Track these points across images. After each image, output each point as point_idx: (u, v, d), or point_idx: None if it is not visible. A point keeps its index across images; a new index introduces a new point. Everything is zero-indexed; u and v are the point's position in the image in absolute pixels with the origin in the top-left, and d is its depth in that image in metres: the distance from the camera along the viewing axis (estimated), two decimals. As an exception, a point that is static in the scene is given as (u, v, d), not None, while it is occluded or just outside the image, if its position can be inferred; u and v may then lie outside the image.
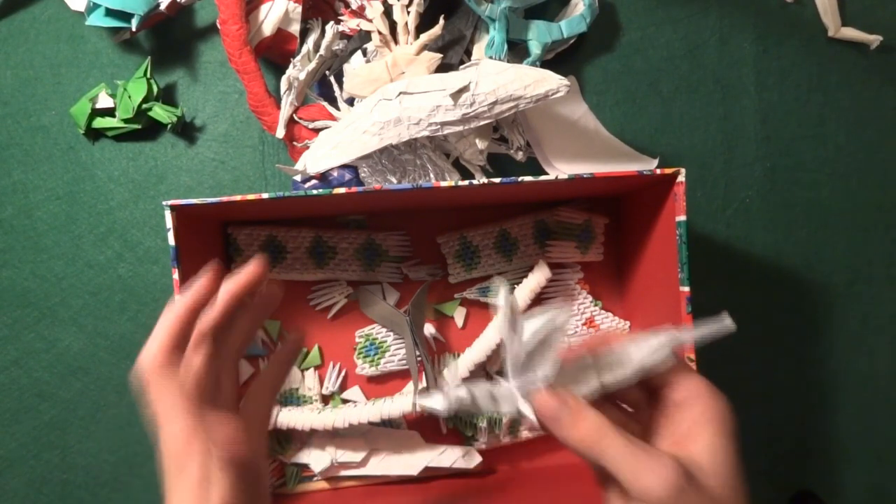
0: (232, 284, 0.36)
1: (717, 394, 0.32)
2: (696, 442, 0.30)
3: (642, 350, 0.31)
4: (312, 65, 0.53)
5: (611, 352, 0.31)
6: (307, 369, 0.58)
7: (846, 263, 0.61)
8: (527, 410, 0.30)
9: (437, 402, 0.30)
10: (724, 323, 0.32)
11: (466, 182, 0.44)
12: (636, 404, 0.34)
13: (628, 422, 0.34)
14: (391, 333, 0.57)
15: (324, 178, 0.53)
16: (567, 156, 0.57)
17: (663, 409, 0.32)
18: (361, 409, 0.54)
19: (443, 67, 0.53)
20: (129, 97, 0.56)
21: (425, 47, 0.52)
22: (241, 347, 0.38)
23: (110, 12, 0.54)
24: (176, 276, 0.45)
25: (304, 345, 0.42)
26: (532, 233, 0.58)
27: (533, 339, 0.29)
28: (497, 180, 0.44)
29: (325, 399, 0.58)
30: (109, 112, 0.57)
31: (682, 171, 0.44)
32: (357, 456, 0.55)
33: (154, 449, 0.61)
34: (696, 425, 0.31)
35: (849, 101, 0.61)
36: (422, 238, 0.58)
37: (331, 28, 0.53)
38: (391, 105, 0.49)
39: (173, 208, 0.45)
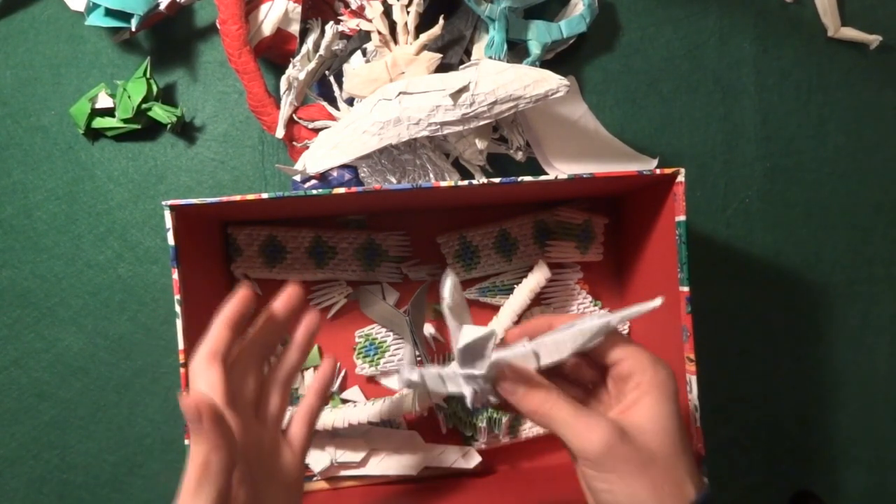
0: (270, 307, 0.42)
1: (658, 364, 0.36)
2: (638, 407, 0.35)
3: (576, 338, 0.35)
4: (312, 65, 0.53)
5: (548, 338, 0.35)
6: (307, 369, 0.58)
7: (846, 263, 0.61)
8: (467, 391, 0.35)
9: (393, 382, 0.37)
10: (651, 303, 0.37)
11: (466, 182, 0.44)
12: (594, 382, 0.39)
13: (587, 398, 0.39)
14: (391, 333, 0.57)
15: (324, 178, 0.53)
16: (567, 156, 0.57)
17: (614, 382, 0.37)
18: (361, 409, 0.54)
19: (443, 67, 0.53)
20: (129, 97, 0.56)
21: (425, 47, 0.52)
22: (288, 375, 0.43)
23: (110, 12, 0.54)
24: (176, 276, 0.44)
25: (335, 372, 0.49)
26: (532, 233, 0.58)
27: (468, 342, 0.34)
28: (497, 180, 0.44)
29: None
30: (109, 112, 0.57)
31: (682, 171, 0.44)
32: (357, 456, 0.55)
33: (154, 449, 0.61)
34: (641, 394, 0.35)
35: (849, 101, 0.61)
36: (422, 238, 0.58)
37: (330, 28, 0.53)
38: (391, 105, 0.49)
39: (173, 208, 0.45)
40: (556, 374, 0.38)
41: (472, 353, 0.34)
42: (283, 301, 0.42)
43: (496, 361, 0.35)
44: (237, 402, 0.38)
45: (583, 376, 0.38)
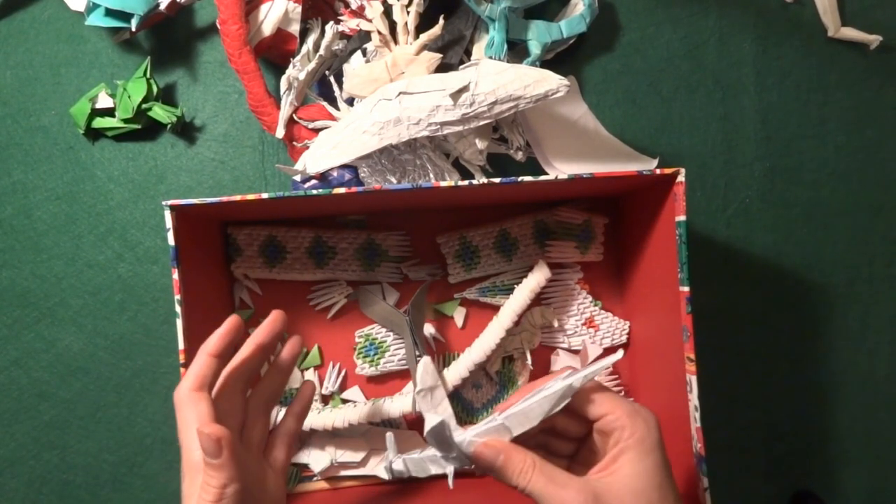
0: (256, 334, 0.43)
1: (636, 417, 0.37)
2: (616, 466, 0.36)
3: (543, 405, 0.37)
4: (312, 65, 0.53)
5: (517, 409, 0.37)
6: (307, 369, 0.58)
7: (846, 263, 0.61)
8: (449, 470, 0.38)
9: (382, 472, 0.40)
10: (612, 357, 0.39)
11: (466, 182, 0.44)
12: (583, 436, 0.40)
13: (579, 450, 0.40)
14: (391, 333, 0.57)
15: (324, 178, 0.53)
16: (567, 156, 0.57)
17: (599, 436, 0.38)
18: (361, 409, 0.54)
19: (443, 67, 0.53)
20: (129, 97, 0.56)
21: (425, 47, 0.52)
22: (270, 399, 0.44)
23: (110, 12, 0.54)
24: (176, 276, 0.45)
25: (313, 393, 0.50)
26: (532, 233, 0.58)
27: (428, 430, 0.37)
28: (497, 180, 0.44)
29: (325, 399, 0.58)
30: (109, 112, 0.57)
31: (682, 171, 0.44)
32: (357, 456, 0.55)
33: (154, 449, 0.61)
34: (619, 451, 0.36)
35: (849, 101, 0.61)
36: (422, 238, 0.58)
37: (330, 28, 0.53)
38: (391, 105, 0.49)
39: (173, 208, 0.45)
40: (546, 431, 0.40)
41: (438, 438, 0.36)
42: (267, 327, 0.43)
43: (469, 440, 0.37)
44: None
45: (571, 431, 0.40)
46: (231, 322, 0.41)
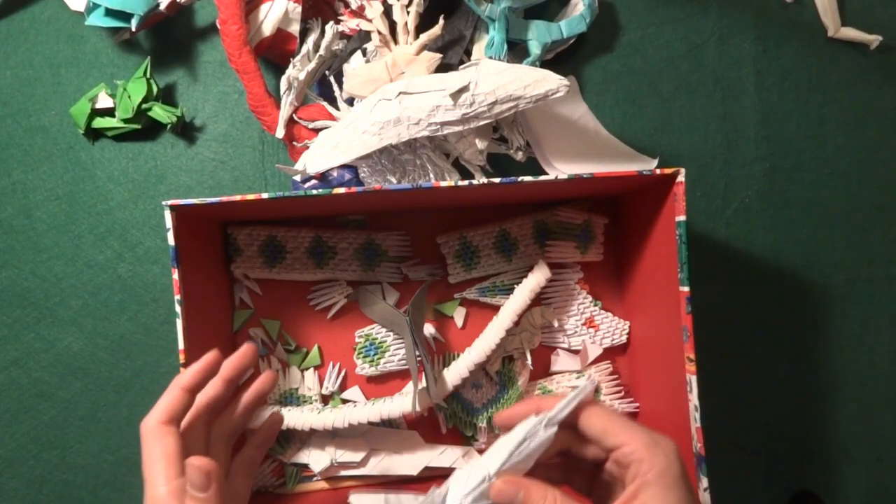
0: (225, 369, 0.42)
1: (656, 448, 0.34)
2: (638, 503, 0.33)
3: (527, 457, 0.35)
4: (312, 65, 0.53)
5: (504, 464, 0.35)
6: (307, 369, 0.58)
7: (846, 263, 0.61)
8: None
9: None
10: (583, 387, 0.36)
11: (466, 182, 0.44)
12: (596, 461, 0.38)
13: (597, 473, 0.38)
14: (391, 333, 0.57)
15: (324, 178, 0.53)
16: (567, 156, 0.57)
17: (616, 467, 0.36)
18: (361, 409, 0.54)
19: (443, 67, 0.53)
20: (129, 97, 0.56)
21: (425, 47, 0.52)
22: (234, 430, 0.45)
23: (110, 12, 0.54)
24: (176, 276, 0.45)
25: (280, 426, 0.50)
26: (532, 233, 0.58)
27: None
28: (497, 180, 0.44)
29: (325, 399, 0.58)
30: (109, 112, 0.57)
31: (682, 171, 0.44)
32: (357, 456, 0.55)
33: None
34: (640, 486, 0.34)
35: (849, 101, 0.61)
36: (422, 238, 0.58)
37: (331, 28, 0.53)
38: (391, 105, 0.49)
39: (173, 208, 0.45)
40: (561, 460, 0.38)
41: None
42: (234, 362, 0.43)
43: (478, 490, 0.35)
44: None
45: (587, 459, 0.38)
46: (209, 358, 0.41)
